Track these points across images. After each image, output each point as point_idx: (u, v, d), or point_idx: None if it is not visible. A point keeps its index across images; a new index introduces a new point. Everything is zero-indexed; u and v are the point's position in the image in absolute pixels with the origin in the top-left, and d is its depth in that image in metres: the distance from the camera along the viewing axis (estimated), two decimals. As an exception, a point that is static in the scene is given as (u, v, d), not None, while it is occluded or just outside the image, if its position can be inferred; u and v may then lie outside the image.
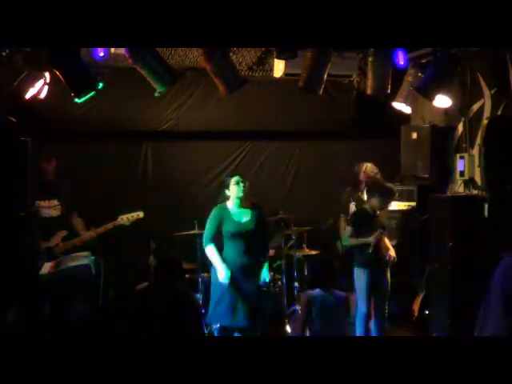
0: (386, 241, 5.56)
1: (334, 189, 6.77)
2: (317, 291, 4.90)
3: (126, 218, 5.85)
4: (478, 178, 5.95)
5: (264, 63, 6.40)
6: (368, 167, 6.40)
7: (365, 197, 6.17)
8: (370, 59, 5.54)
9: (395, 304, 5.99)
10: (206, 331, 5.59)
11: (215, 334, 5.43)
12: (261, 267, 5.34)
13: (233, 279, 5.17)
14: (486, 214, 5.38)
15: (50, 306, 5.19)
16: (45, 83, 5.40)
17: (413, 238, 6.37)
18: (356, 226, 5.46)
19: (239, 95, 5.57)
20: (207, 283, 5.75)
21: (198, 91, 6.81)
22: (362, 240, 5.39)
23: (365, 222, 5.45)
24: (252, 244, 5.26)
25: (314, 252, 6.59)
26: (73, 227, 5.82)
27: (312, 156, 7.29)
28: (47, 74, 5.38)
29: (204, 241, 5.33)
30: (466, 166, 6.10)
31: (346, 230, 5.69)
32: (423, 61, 5.82)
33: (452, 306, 5.50)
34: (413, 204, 6.62)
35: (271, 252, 6.09)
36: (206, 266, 5.76)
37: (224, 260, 5.22)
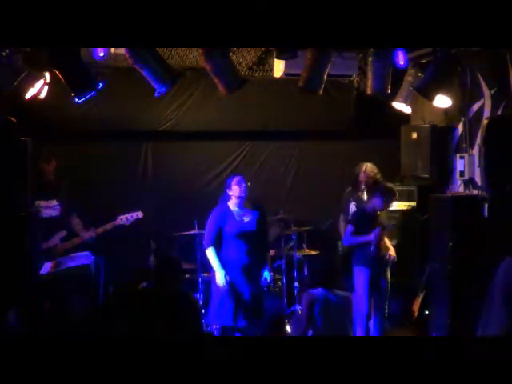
0: (386, 241, 5.56)
1: (334, 189, 6.78)
2: (319, 290, 4.90)
3: (125, 218, 5.86)
4: (478, 178, 5.95)
5: (264, 63, 6.41)
6: (368, 167, 6.38)
7: (365, 197, 6.18)
8: (370, 59, 5.54)
9: (395, 304, 5.99)
10: (205, 331, 5.59)
11: (215, 333, 5.44)
12: (261, 267, 5.34)
13: (233, 279, 5.18)
14: (485, 214, 5.38)
15: (50, 306, 5.19)
16: (45, 83, 5.39)
17: (413, 238, 6.38)
18: (356, 226, 5.47)
19: (239, 95, 5.57)
20: (207, 283, 5.76)
21: (198, 91, 6.80)
22: (361, 239, 5.40)
23: (365, 221, 5.46)
24: (253, 244, 5.27)
25: (313, 252, 6.59)
26: (72, 227, 5.82)
27: (312, 156, 7.28)
28: (47, 74, 5.37)
29: (205, 242, 5.33)
30: (466, 165, 6.09)
31: (346, 230, 5.68)
32: (423, 61, 5.81)
33: (452, 306, 5.49)
34: (413, 204, 6.63)
35: (271, 252, 6.09)
36: (206, 266, 5.76)
37: (224, 260, 5.22)
